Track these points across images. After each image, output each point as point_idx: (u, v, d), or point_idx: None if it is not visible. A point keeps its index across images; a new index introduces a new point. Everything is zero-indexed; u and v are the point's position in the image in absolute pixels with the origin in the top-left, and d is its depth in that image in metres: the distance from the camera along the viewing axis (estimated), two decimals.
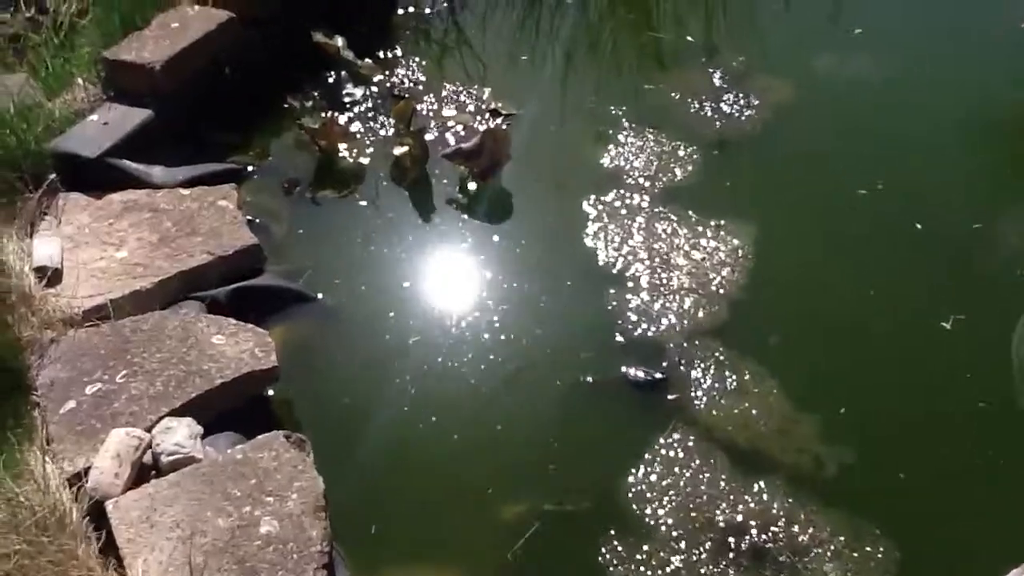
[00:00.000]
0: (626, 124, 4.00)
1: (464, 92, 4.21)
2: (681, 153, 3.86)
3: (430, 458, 2.93)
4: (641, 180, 3.75)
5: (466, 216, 3.69)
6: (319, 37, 4.22)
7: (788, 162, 3.85)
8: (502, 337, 3.21)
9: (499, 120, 4.04)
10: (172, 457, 2.62)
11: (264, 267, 3.44)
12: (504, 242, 3.56)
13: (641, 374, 3.06)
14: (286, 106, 4.13)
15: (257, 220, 3.65)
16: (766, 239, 3.50)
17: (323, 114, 4.03)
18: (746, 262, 3.41)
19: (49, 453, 2.65)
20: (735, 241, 3.49)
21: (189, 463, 2.62)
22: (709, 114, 4.04)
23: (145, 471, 2.66)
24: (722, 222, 3.56)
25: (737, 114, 4.04)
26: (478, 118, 4.05)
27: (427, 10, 4.71)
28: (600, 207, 3.66)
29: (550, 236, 3.59)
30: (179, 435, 2.66)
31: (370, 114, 4.11)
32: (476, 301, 3.35)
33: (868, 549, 2.63)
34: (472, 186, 3.76)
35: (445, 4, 4.73)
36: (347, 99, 4.18)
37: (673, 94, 4.16)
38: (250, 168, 3.87)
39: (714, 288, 3.33)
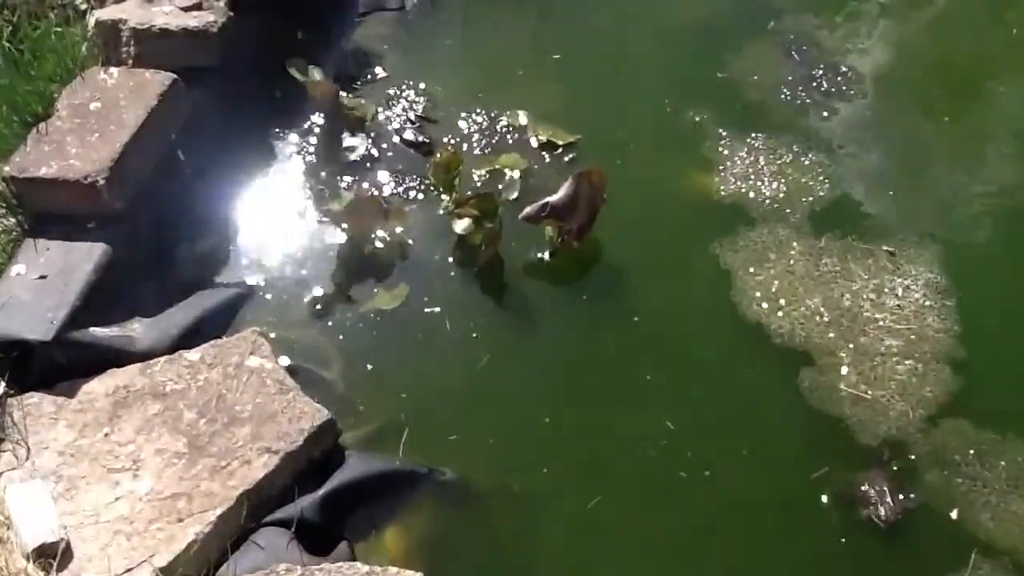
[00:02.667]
0: (721, 132, 3.21)
1: (493, 119, 3.28)
2: (805, 161, 3.12)
3: None
4: (774, 207, 3.00)
5: (579, 296, 2.84)
6: (299, 74, 3.15)
7: (927, 147, 3.19)
8: (704, 472, 2.45)
9: (559, 152, 3.17)
10: None
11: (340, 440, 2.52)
12: (639, 324, 2.75)
13: (900, 499, 2.38)
14: (270, 176, 3.11)
15: (298, 366, 2.68)
16: (958, 261, 2.85)
17: (343, 186, 3.04)
18: (949, 300, 2.76)
19: None
20: (925, 272, 2.82)
21: None
22: (809, 101, 3.30)
23: None
24: (895, 248, 2.89)
25: (839, 94, 3.32)
26: (535, 158, 3.16)
27: (393, 6, 3.66)
28: (738, 253, 2.89)
29: (693, 304, 2.81)
30: None
31: (390, 173, 3.14)
32: (646, 423, 2.55)
33: None
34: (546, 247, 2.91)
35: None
36: (351, 156, 3.17)
37: (754, 79, 3.38)
38: (258, 284, 2.86)
39: (928, 348, 2.66)
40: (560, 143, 3.19)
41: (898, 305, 2.75)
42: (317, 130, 3.22)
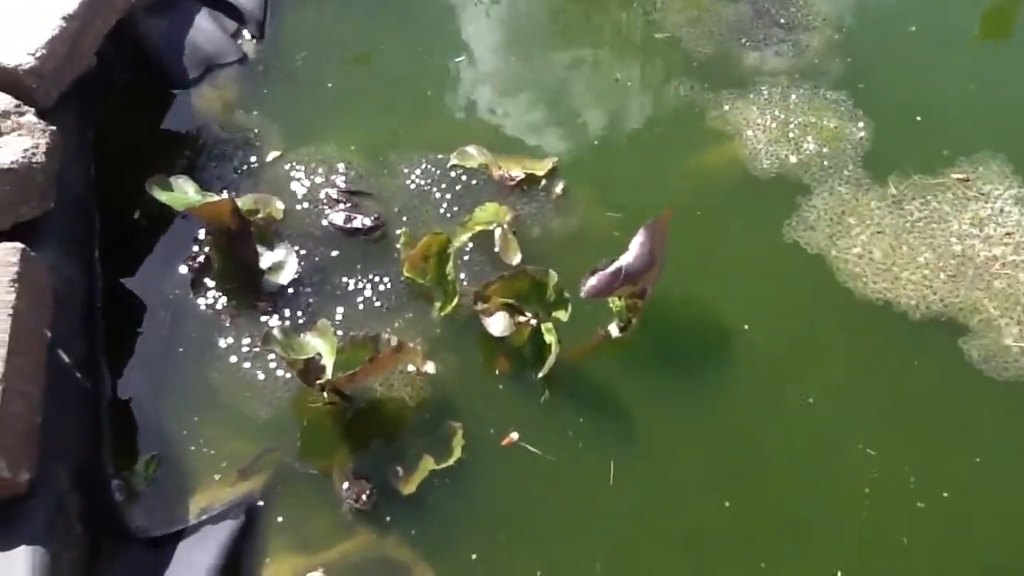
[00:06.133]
0: (713, 98, 2.69)
1: (439, 168, 2.52)
2: (820, 103, 2.65)
3: None
4: (823, 163, 2.54)
5: (677, 364, 2.21)
6: (165, 195, 2.22)
7: (914, 55, 2.87)
8: (942, 494, 2.00)
9: (543, 184, 2.50)
10: None
11: None
12: (763, 359, 2.20)
13: None
14: (194, 348, 2.20)
15: None
16: None
17: (300, 335, 2.10)
18: None
19: None
20: (1007, 189, 2.48)
21: None
22: (773, 39, 2.82)
23: None
24: (964, 172, 2.53)
25: (801, 25, 2.87)
26: (518, 201, 2.47)
27: (231, 58, 2.76)
28: (816, 230, 2.41)
29: (805, 308, 2.31)
30: None
31: (349, 280, 2.32)
32: (844, 459, 2.05)
33: None
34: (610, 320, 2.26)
35: (253, 39, 2.82)
36: (280, 278, 2.30)
37: (698, 31, 2.87)
38: (248, 504, 1.97)
39: None
40: (540, 173, 2.54)
41: (1007, 233, 2.42)
42: (216, 257, 2.32)
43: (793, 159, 2.58)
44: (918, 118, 2.69)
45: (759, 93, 2.72)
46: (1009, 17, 3.10)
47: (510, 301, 2.20)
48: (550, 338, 2.16)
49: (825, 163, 2.57)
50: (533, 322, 2.19)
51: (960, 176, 2.56)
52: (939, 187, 2.53)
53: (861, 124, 2.65)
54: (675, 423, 2.14)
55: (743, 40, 2.88)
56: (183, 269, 2.33)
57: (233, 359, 2.20)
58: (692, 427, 2.14)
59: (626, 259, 2.13)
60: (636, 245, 2.14)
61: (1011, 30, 3.04)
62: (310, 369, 1.98)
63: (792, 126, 2.65)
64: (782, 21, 2.92)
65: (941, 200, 2.51)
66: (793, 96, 2.72)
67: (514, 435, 2.09)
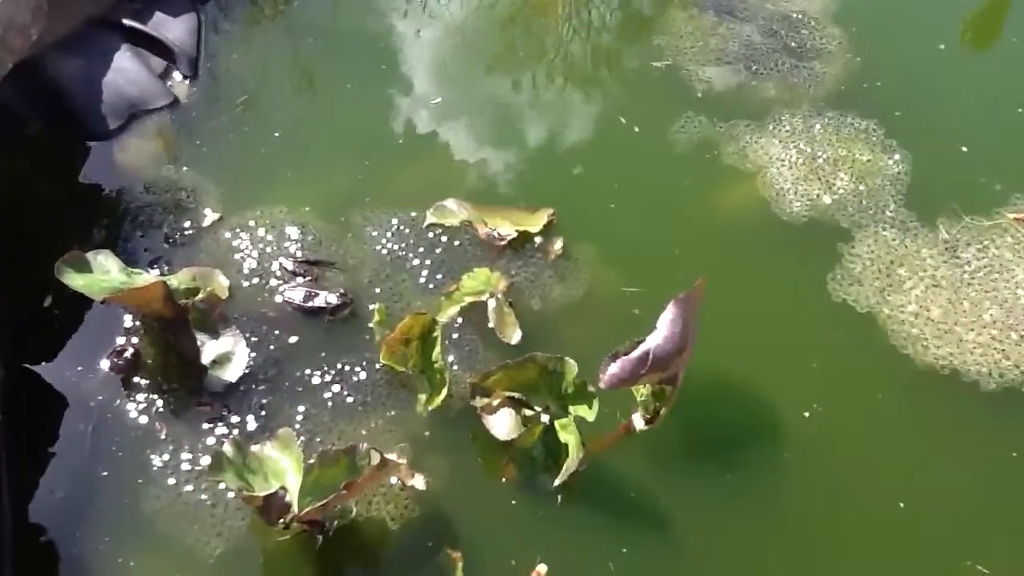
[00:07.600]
0: (726, 132, 2.36)
1: (414, 228, 2.14)
2: (849, 134, 2.35)
3: None
4: (860, 203, 2.23)
5: (717, 460, 1.85)
6: (81, 280, 1.81)
7: (944, 78, 2.57)
8: None
9: (539, 243, 2.14)
10: None
11: None
12: (815, 446, 1.86)
13: None
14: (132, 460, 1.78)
15: None
16: None
17: (259, 445, 1.70)
18: None
19: None
20: None
21: None
22: (786, 65, 2.51)
23: None
24: (1021, 212, 2.23)
25: (813, 50, 2.55)
26: (512, 263, 2.11)
27: (161, 102, 2.34)
28: (864, 284, 2.08)
29: (859, 381, 1.97)
30: None
31: (314, 372, 1.92)
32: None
33: None
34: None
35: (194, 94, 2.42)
36: (229, 374, 1.89)
37: (703, 59, 2.53)
38: None
39: None
40: (534, 230, 2.17)
41: None
42: (148, 351, 1.92)
43: (827, 199, 2.25)
44: (963, 148, 2.38)
45: (779, 124, 2.40)
46: None
47: (515, 394, 1.83)
48: (568, 438, 1.79)
49: (863, 203, 2.25)
50: (545, 418, 1.83)
51: (1017, 216, 2.25)
52: (995, 229, 2.22)
53: (897, 156, 2.34)
54: (734, 541, 1.78)
55: (753, 67, 2.55)
56: (107, 366, 1.93)
57: (172, 481, 1.79)
58: (758, 548, 1.77)
59: (654, 341, 1.75)
60: (666, 323, 1.76)
61: None
62: (272, 506, 1.58)
63: (820, 161, 2.33)
64: (793, 45, 2.60)
65: (1000, 245, 2.19)
66: (817, 126, 2.40)
67: (541, 567, 1.71)
